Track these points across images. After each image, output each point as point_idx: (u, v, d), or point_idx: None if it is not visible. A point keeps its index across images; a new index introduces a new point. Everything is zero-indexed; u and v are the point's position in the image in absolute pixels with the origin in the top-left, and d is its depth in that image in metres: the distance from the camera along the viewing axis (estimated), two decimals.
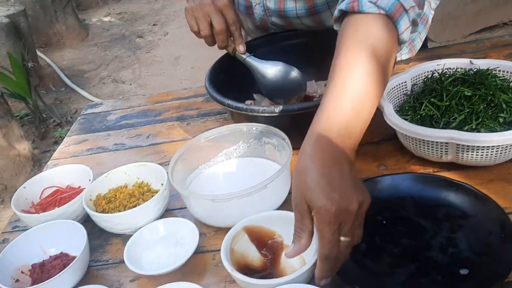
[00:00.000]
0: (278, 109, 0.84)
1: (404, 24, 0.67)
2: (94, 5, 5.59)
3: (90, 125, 1.21)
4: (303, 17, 1.06)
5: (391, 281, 0.64)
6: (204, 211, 0.77)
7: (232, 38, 0.98)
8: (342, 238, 0.59)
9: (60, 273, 0.68)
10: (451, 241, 0.67)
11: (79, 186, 0.91)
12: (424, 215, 0.72)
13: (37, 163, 2.80)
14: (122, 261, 0.75)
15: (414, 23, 0.70)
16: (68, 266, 0.69)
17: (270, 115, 0.85)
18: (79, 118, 1.26)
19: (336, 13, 0.71)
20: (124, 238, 0.81)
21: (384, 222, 0.73)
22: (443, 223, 0.70)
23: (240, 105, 0.88)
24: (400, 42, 0.69)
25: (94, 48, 4.61)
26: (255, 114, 0.86)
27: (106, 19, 5.32)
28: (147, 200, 0.81)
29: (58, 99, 3.73)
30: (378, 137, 0.93)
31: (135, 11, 5.50)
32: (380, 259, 0.67)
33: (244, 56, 0.99)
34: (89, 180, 0.88)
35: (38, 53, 4.13)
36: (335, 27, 0.74)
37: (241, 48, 0.99)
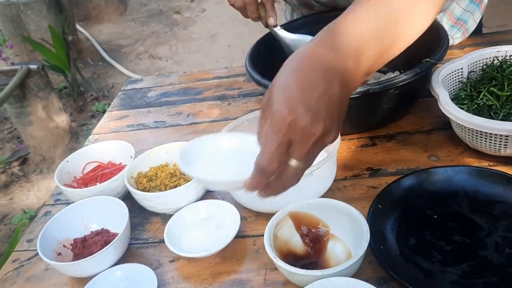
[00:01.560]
0: None
1: None
2: None
3: (131, 101, 1.21)
4: None
5: (442, 279, 0.60)
6: (246, 195, 0.75)
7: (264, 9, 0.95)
8: (293, 163, 0.50)
9: (102, 250, 0.68)
10: (508, 240, 0.63)
11: (120, 163, 0.91)
12: (479, 212, 0.68)
13: (75, 135, 2.85)
14: (162, 241, 0.75)
15: None
16: (110, 244, 0.69)
17: None
18: (120, 93, 1.26)
19: None
20: (164, 217, 0.80)
21: (435, 216, 0.69)
22: (500, 221, 0.66)
23: None
24: None
25: (132, 23, 4.63)
26: None
27: None
28: (188, 181, 0.80)
29: (96, 73, 3.77)
30: (429, 125, 0.89)
31: None
32: (430, 255, 0.63)
33: (275, 29, 0.96)
34: (131, 157, 0.87)
35: (78, 26, 4.17)
36: None
37: (271, 20, 0.95)
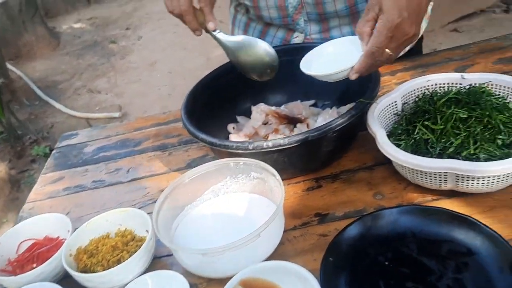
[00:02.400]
0: (252, 145, 0.79)
1: None
2: (63, 11, 5.45)
3: (66, 160, 1.15)
4: None
5: None
6: (194, 263, 0.72)
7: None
8: (387, 50, 0.72)
9: None
10: (459, 282, 0.63)
11: (58, 237, 0.85)
12: (427, 253, 0.68)
13: (16, 184, 2.71)
14: None
15: None
16: None
17: (244, 152, 0.80)
18: (53, 152, 1.20)
19: None
20: None
21: (387, 263, 0.68)
22: (448, 262, 0.66)
23: (214, 140, 0.83)
24: None
25: (67, 57, 4.49)
26: (229, 151, 0.81)
27: (76, 25, 5.18)
28: (131, 252, 0.76)
29: (33, 113, 3.61)
30: (371, 161, 0.89)
31: (106, 16, 5.37)
32: None
33: (214, 33, 0.92)
34: (68, 231, 0.82)
35: (9, 65, 3.99)
36: None
37: (210, 25, 0.90)
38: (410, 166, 0.73)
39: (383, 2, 0.70)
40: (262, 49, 0.92)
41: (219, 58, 3.97)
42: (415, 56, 1.19)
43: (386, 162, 0.87)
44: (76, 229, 0.81)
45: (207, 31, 0.92)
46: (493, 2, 3.26)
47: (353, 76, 0.76)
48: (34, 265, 0.79)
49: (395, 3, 0.69)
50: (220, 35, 0.92)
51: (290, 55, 1.06)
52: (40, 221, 0.87)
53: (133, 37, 4.68)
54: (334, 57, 0.82)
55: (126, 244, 0.79)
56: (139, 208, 0.89)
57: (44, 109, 3.65)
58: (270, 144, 0.77)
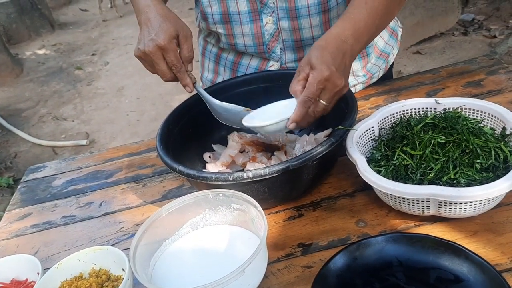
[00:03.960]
0: (232, 176, 0.77)
1: None
2: (27, 37, 5.34)
3: (33, 195, 1.09)
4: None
5: None
6: None
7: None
8: (321, 101, 0.78)
9: None
10: None
11: (26, 279, 0.80)
12: (415, 282, 0.67)
13: None
14: None
15: None
16: None
17: (224, 183, 0.78)
18: (19, 186, 1.14)
19: None
20: None
21: None
22: None
23: (191, 172, 0.81)
24: None
25: (31, 84, 4.38)
26: (208, 182, 0.79)
27: (40, 52, 5.08)
28: None
29: None
30: (351, 187, 0.89)
31: (71, 42, 5.30)
32: None
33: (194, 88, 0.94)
34: (38, 273, 0.77)
35: None
36: None
37: (187, 89, 0.93)
38: (393, 193, 0.72)
39: (312, 61, 0.78)
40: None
41: None
42: (386, 81, 1.20)
43: (366, 188, 0.87)
44: (46, 270, 0.76)
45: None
46: (452, 25, 3.39)
47: (291, 126, 0.80)
48: None
49: (322, 60, 0.77)
50: (199, 89, 0.95)
51: (266, 81, 1.05)
52: (6, 263, 0.81)
53: (100, 63, 4.62)
54: (274, 114, 0.84)
55: (102, 285, 0.74)
56: (113, 245, 0.86)
57: (6, 138, 3.52)
58: (251, 174, 0.75)
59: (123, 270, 0.77)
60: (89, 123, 3.57)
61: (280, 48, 1.07)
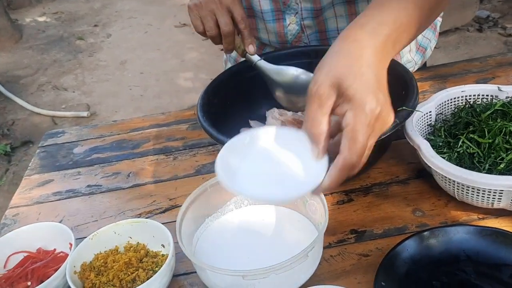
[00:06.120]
0: None
1: None
2: (27, 3, 5.17)
3: (54, 161, 1.02)
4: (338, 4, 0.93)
5: None
6: (226, 285, 0.62)
7: (240, 37, 0.87)
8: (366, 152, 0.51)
9: None
10: None
11: (55, 249, 0.74)
12: (487, 278, 0.62)
13: None
14: None
15: None
16: None
17: None
18: (38, 151, 1.07)
19: None
20: None
21: None
22: None
23: None
24: None
25: (30, 51, 4.24)
26: None
27: (41, 19, 4.93)
28: (147, 270, 0.66)
29: None
30: (403, 174, 0.83)
31: (72, 11, 5.14)
32: None
33: (254, 59, 0.88)
34: (70, 243, 0.71)
35: None
36: None
37: (251, 48, 0.87)
38: (464, 182, 0.67)
39: (348, 85, 0.48)
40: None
41: (194, 61, 3.85)
42: (430, 67, 1.14)
43: (420, 176, 0.82)
44: (77, 241, 0.70)
45: (243, 54, 0.88)
46: (469, 20, 3.33)
47: (318, 194, 0.59)
48: (29, 283, 0.68)
49: (366, 86, 0.49)
50: (262, 62, 0.87)
51: (308, 56, 0.99)
52: (31, 231, 0.75)
53: (102, 35, 4.49)
54: (269, 161, 0.54)
55: (141, 261, 0.68)
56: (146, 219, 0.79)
57: (4, 105, 3.41)
58: None
59: (162, 246, 0.71)
60: (90, 95, 3.47)
61: (305, 43, 1.00)
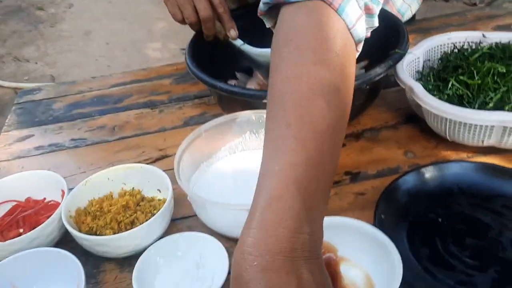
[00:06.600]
0: None
1: (352, 13, 0.49)
2: None
3: (32, 117, 0.98)
4: None
5: None
6: (228, 221, 0.62)
7: (220, 22, 0.85)
8: None
9: None
10: None
11: (44, 198, 0.71)
12: (480, 209, 0.64)
13: None
14: None
15: (367, 11, 0.52)
16: None
17: None
18: (14, 108, 1.02)
19: (261, 6, 0.57)
20: (119, 262, 0.64)
21: (440, 220, 0.64)
22: (506, 217, 0.63)
23: (237, 89, 0.75)
24: (355, 40, 0.50)
25: None
26: (260, 100, 0.73)
27: None
28: (146, 213, 0.65)
29: None
30: (393, 119, 0.85)
31: None
32: (451, 267, 0.58)
33: (237, 44, 0.87)
34: (62, 191, 0.68)
35: None
36: (267, 24, 0.61)
37: (232, 33, 0.86)
38: (457, 119, 0.69)
39: None
40: None
41: (162, 31, 3.75)
42: (411, 22, 1.16)
43: (409, 121, 0.83)
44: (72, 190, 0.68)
45: (224, 40, 0.86)
46: None
47: None
48: (21, 230, 0.66)
49: None
50: (245, 47, 0.86)
51: None
52: (18, 180, 0.72)
53: (63, 5, 4.31)
54: None
55: (138, 204, 0.67)
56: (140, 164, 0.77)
57: None
58: None
59: (158, 190, 0.70)
60: (54, 66, 3.35)
61: None
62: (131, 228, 0.62)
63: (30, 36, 3.80)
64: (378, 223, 0.60)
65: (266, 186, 0.39)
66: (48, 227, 0.63)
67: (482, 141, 0.71)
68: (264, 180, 0.40)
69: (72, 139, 0.90)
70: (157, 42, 3.49)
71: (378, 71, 0.72)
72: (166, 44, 3.45)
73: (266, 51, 0.85)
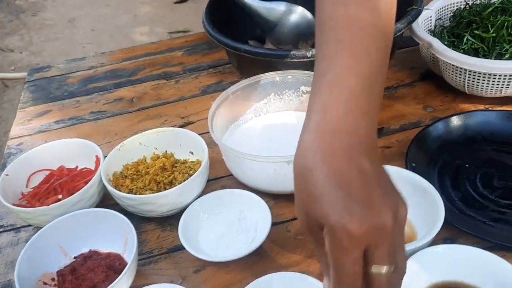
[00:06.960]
0: (310, 53, 0.74)
1: None
2: None
3: (47, 93, 0.98)
4: None
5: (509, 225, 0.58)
6: (268, 177, 0.64)
7: None
8: (374, 269, 0.36)
9: (116, 280, 0.52)
10: None
11: (77, 166, 0.72)
12: (504, 153, 0.67)
13: None
14: (171, 250, 0.62)
15: None
16: (125, 270, 0.53)
17: (301, 60, 0.74)
18: (26, 85, 1.02)
19: None
20: (159, 222, 0.66)
21: (467, 165, 0.67)
22: None
23: (262, 50, 0.76)
24: None
25: None
26: (285, 60, 0.74)
27: None
28: (183, 173, 0.67)
29: None
30: (408, 78, 0.87)
31: None
32: (483, 206, 0.61)
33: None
34: (97, 157, 0.69)
35: None
36: None
37: None
38: (478, 70, 0.71)
39: (316, 206, 0.36)
40: (303, 21, 0.84)
41: (148, 15, 3.71)
42: None
43: (424, 78, 0.86)
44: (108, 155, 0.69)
45: None
46: None
47: None
48: (60, 196, 0.66)
49: (331, 198, 0.36)
50: (250, 1, 0.82)
51: None
52: (50, 149, 0.73)
53: None
54: None
55: (174, 166, 0.69)
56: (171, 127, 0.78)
57: None
58: None
59: (191, 153, 0.71)
60: (41, 54, 3.29)
61: None
62: (170, 188, 0.63)
63: (12, 25, 3.72)
64: (410, 170, 0.63)
65: (320, 93, 0.40)
66: (89, 190, 0.64)
67: (501, 91, 0.74)
68: (319, 87, 0.41)
69: (92, 112, 0.90)
70: (144, 27, 3.45)
71: (400, 26, 0.74)
72: (153, 28, 3.42)
73: (270, 4, 0.83)
